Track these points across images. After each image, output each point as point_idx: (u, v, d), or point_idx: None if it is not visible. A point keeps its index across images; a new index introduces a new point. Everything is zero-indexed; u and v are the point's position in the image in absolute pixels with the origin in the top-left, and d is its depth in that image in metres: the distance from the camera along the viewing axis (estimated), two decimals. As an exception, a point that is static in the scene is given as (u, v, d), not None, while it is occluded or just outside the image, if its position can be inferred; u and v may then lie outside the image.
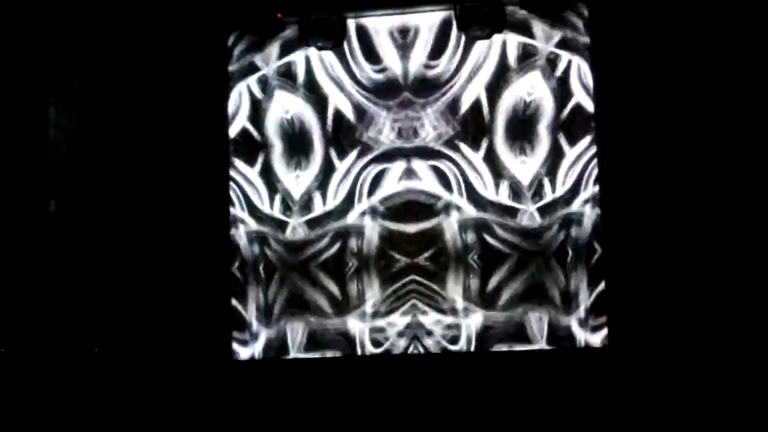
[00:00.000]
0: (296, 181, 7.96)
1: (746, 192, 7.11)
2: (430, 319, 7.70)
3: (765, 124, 7.14)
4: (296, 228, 7.94)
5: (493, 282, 7.66)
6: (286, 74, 8.01)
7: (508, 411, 7.32)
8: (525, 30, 7.69)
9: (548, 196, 7.61)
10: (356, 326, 7.80)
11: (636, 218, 7.31)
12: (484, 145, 7.71)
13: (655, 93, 7.33)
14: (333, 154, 7.93)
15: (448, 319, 7.68)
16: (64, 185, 7.68)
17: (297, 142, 7.97)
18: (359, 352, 7.78)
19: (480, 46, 7.72)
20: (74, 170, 7.78)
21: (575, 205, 7.57)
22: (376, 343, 7.77)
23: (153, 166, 7.91)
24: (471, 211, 7.69)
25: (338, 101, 7.92)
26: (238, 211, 8.03)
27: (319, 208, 7.92)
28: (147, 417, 7.49)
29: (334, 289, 7.88)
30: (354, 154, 7.88)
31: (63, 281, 7.55)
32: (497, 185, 7.68)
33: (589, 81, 7.57)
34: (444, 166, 7.76)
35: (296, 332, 7.87)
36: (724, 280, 7.07)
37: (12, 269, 7.43)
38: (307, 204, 7.95)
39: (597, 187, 7.50)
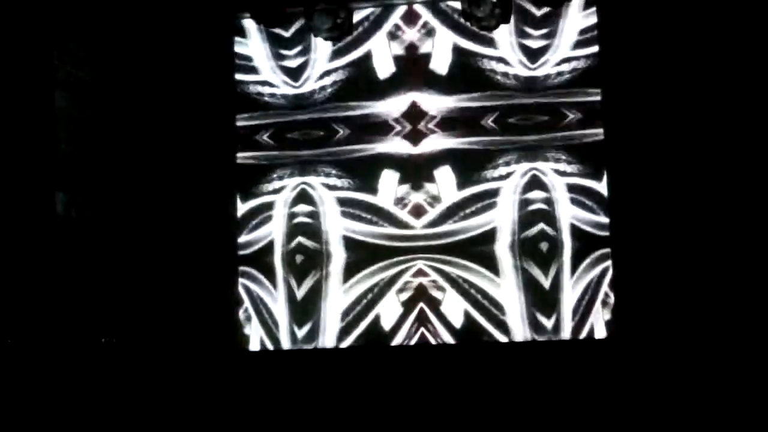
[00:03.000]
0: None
1: (753, 188, 7.11)
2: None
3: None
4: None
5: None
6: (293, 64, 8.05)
7: (511, 403, 7.35)
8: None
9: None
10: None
11: (644, 212, 7.33)
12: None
13: (663, 87, 7.33)
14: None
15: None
16: (71, 178, 7.67)
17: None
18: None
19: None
20: (80, 163, 7.77)
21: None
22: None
23: (159, 157, 7.90)
24: None
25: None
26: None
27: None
28: (155, 408, 7.51)
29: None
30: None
31: (70, 273, 7.55)
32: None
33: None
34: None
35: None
36: (731, 274, 7.10)
37: (18, 261, 7.42)
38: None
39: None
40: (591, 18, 7.63)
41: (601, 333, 7.49)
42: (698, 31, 7.24)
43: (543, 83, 7.68)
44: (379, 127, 7.90)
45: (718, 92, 7.20)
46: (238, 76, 8.08)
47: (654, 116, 7.33)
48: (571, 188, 7.61)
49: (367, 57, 7.95)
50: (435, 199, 7.80)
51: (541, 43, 7.71)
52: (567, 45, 7.66)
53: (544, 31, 7.71)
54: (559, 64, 7.66)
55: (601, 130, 7.56)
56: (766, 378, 6.89)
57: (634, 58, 7.38)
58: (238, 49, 8.10)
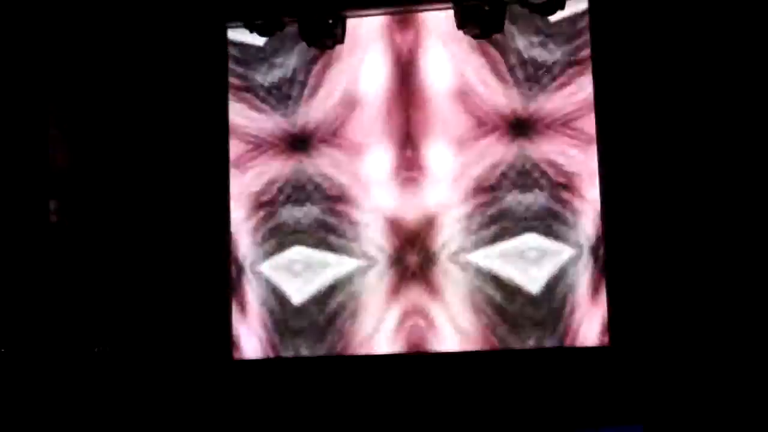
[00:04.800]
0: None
1: (750, 191, 7.10)
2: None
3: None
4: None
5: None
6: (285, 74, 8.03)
7: (508, 410, 7.31)
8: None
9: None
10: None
11: (639, 217, 7.31)
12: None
13: (657, 93, 7.32)
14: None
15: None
16: (64, 185, 7.68)
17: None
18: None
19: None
20: (73, 170, 7.77)
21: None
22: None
23: (152, 165, 7.91)
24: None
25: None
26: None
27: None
28: (150, 417, 7.49)
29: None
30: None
31: (62, 281, 7.54)
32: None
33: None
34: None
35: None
36: (727, 279, 7.07)
37: (11, 269, 7.42)
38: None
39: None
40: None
41: (593, 341, 7.47)
42: (697, 43, 7.27)
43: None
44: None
45: (710, 110, 7.21)
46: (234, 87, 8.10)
47: (647, 126, 7.32)
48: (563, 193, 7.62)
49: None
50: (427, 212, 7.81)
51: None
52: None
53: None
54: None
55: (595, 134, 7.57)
56: (763, 384, 6.88)
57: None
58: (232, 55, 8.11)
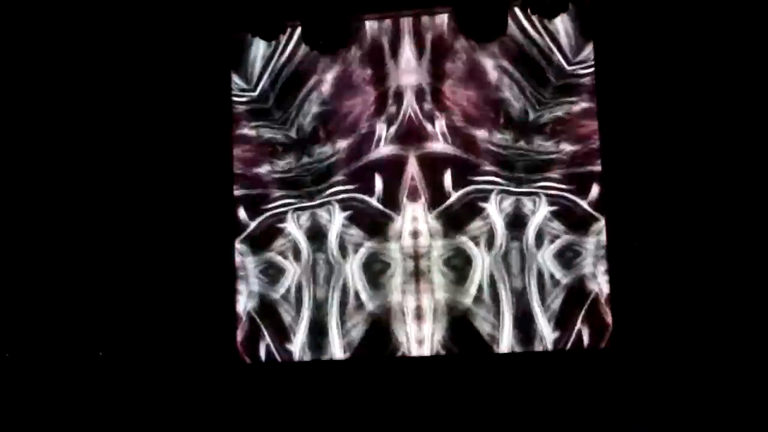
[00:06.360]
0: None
1: (752, 194, 7.11)
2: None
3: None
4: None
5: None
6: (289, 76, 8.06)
7: (511, 413, 7.32)
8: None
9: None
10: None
11: (641, 219, 7.32)
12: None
13: (659, 93, 7.33)
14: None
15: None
16: (65, 185, 7.72)
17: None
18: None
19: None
20: (76, 169, 7.81)
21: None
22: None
23: (157, 168, 7.93)
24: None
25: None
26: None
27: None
28: (152, 421, 7.53)
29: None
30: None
31: (66, 283, 7.57)
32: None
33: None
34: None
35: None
36: (729, 282, 7.06)
37: (14, 272, 7.46)
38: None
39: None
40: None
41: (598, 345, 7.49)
42: (699, 43, 7.27)
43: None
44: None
45: (711, 114, 7.23)
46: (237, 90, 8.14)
47: (648, 128, 7.34)
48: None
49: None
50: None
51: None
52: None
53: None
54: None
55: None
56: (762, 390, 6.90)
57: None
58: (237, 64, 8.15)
